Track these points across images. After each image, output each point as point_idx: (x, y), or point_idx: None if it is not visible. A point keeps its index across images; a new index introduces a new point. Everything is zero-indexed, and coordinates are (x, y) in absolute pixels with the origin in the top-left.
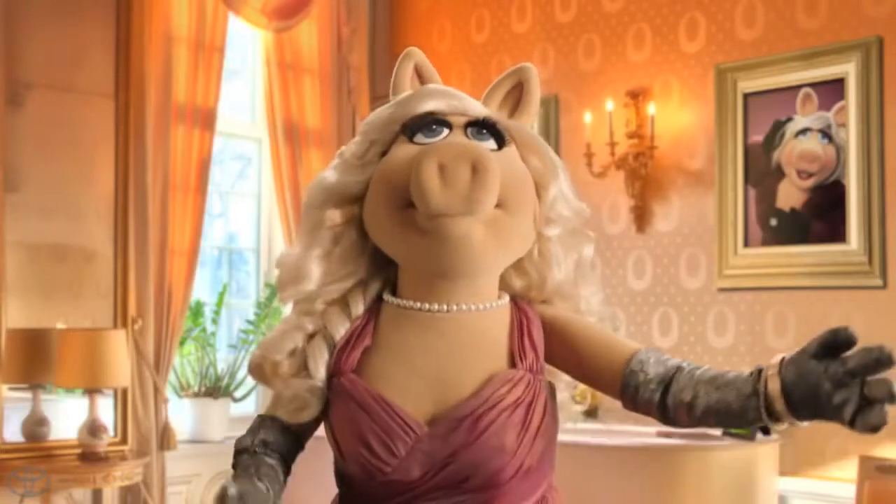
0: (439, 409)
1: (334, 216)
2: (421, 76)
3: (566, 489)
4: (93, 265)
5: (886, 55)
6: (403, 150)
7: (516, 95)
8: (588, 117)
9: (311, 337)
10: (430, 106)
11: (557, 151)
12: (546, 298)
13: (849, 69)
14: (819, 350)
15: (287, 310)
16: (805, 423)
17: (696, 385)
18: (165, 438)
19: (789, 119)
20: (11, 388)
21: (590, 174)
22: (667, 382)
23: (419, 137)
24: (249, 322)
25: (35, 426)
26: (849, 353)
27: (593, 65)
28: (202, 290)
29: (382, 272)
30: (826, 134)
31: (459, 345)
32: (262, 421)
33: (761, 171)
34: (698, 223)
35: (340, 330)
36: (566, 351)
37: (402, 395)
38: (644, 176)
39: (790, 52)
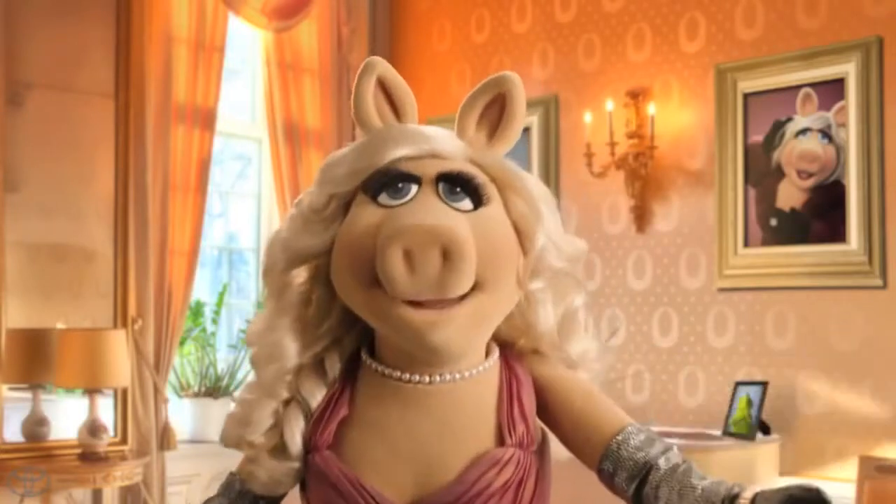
0: (421, 494)
1: (299, 276)
2: (386, 89)
3: (565, 490)
4: (93, 265)
5: (886, 55)
6: (366, 215)
7: (496, 112)
8: (588, 117)
9: (286, 403)
10: (394, 153)
11: (557, 151)
12: (536, 347)
13: (849, 69)
14: (790, 503)
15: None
16: None
17: (669, 493)
18: (165, 438)
19: (789, 119)
20: (11, 388)
21: (590, 174)
22: (641, 477)
23: (383, 198)
24: (249, 322)
25: (35, 426)
26: None
27: (593, 65)
28: (202, 290)
29: (355, 324)
30: (826, 134)
31: (443, 421)
32: (231, 485)
33: (761, 171)
34: (698, 223)
35: (317, 396)
36: (549, 416)
37: (381, 478)
38: (644, 176)
39: (790, 52)
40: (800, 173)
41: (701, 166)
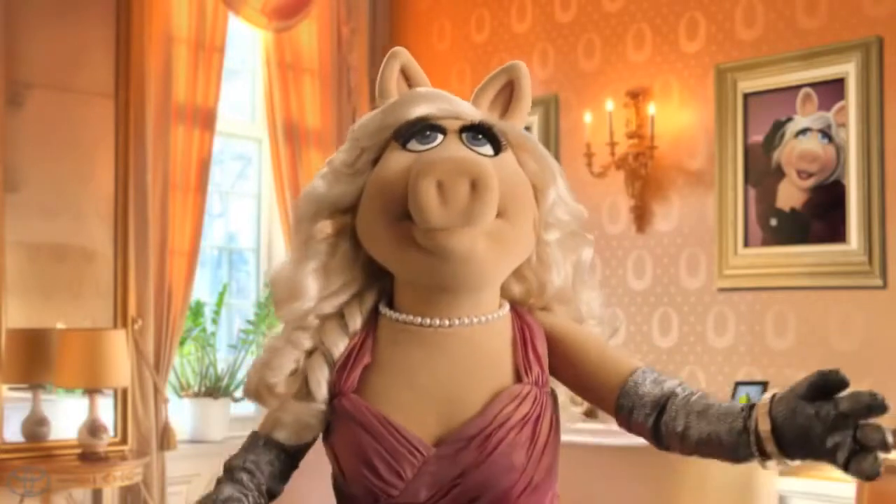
0: (445, 428)
1: (326, 227)
2: (408, 77)
3: (566, 490)
4: (93, 265)
5: (886, 55)
6: (397, 159)
7: (507, 95)
8: (588, 117)
9: (308, 354)
10: (421, 111)
11: (557, 151)
12: (546, 304)
13: (849, 69)
14: (809, 392)
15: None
16: (797, 462)
17: (688, 415)
18: (165, 438)
19: (789, 119)
20: (11, 388)
21: (590, 174)
22: (660, 408)
23: (413, 144)
24: (249, 322)
25: (35, 426)
26: (841, 395)
27: (593, 65)
28: (202, 290)
29: (377, 282)
30: (826, 134)
31: (463, 361)
32: (255, 440)
33: (761, 171)
34: (698, 223)
35: (339, 346)
36: (565, 364)
37: (406, 416)
38: (644, 176)
39: (790, 52)
40: (800, 173)
41: (701, 166)
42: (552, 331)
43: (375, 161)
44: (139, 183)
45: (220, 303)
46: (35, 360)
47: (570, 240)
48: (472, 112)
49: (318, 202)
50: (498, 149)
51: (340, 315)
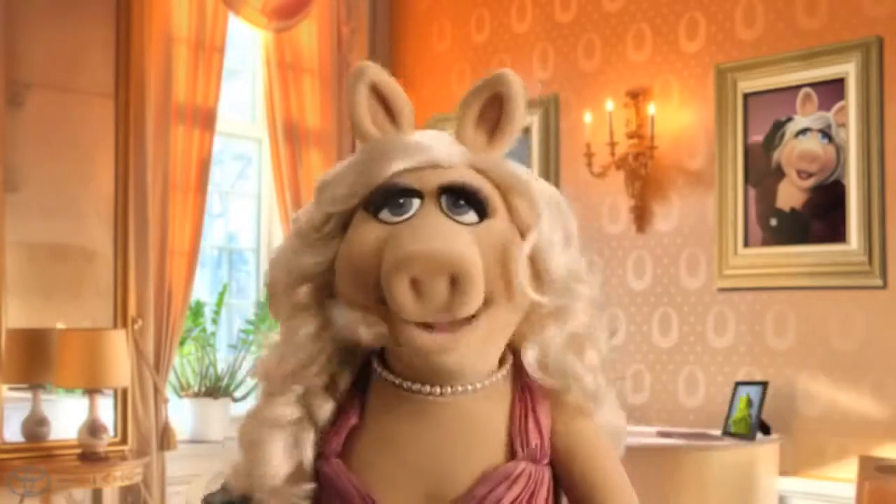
0: None
1: (305, 294)
2: (382, 96)
3: None
4: (93, 265)
5: (886, 55)
6: (368, 234)
7: (495, 111)
8: (588, 117)
9: (294, 423)
10: (393, 167)
11: (557, 151)
12: (530, 363)
13: (849, 69)
14: None
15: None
16: None
17: None
18: (165, 438)
19: (789, 119)
20: (11, 388)
21: (590, 174)
22: None
23: (385, 214)
24: (249, 322)
25: (35, 426)
26: None
27: (593, 65)
28: (202, 290)
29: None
30: (826, 134)
31: (454, 434)
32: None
33: (761, 171)
34: (698, 223)
35: (326, 411)
36: (561, 453)
37: (390, 491)
38: (644, 176)
39: (790, 52)
40: (800, 173)
41: (701, 166)
42: (555, 408)
43: (347, 222)
44: (139, 183)
45: (220, 303)
46: (35, 360)
47: (565, 297)
48: (453, 157)
49: (290, 273)
50: (483, 214)
51: (332, 379)
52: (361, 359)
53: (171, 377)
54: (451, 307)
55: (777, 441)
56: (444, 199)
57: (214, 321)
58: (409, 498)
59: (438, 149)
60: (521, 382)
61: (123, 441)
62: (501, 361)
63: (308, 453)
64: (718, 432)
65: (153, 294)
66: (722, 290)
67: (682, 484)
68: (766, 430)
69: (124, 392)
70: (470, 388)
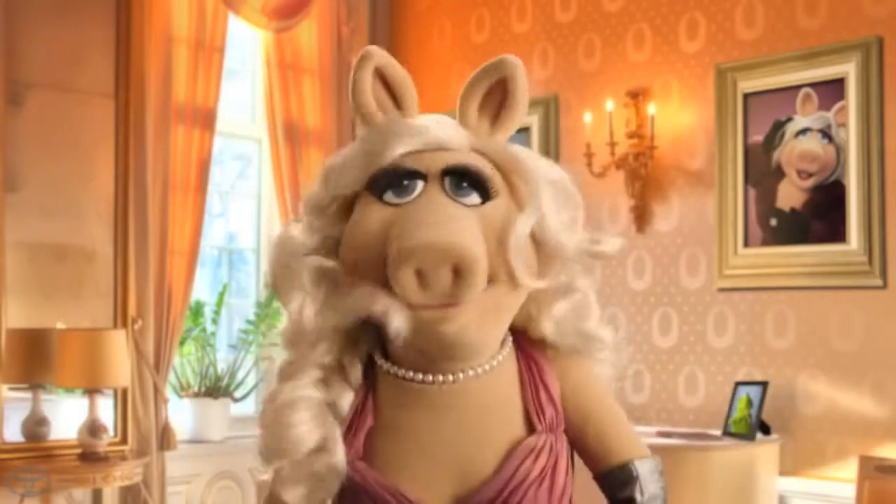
0: (461, 492)
1: (308, 275)
2: (386, 79)
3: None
4: (93, 265)
5: (886, 55)
6: (373, 215)
7: (498, 96)
8: (588, 117)
9: (318, 405)
10: (397, 150)
11: (557, 151)
12: (546, 335)
13: (849, 69)
14: None
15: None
16: None
17: None
18: (165, 438)
19: (789, 119)
20: (11, 388)
21: (590, 174)
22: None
23: (389, 196)
24: (249, 322)
25: (35, 426)
26: None
27: (593, 65)
28: (202, 290)
29: (369, 325)
30: (826, 134)
31: (471, 417)
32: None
33: (761, 171)
34: (698, 223)
35: (346, 400)
36: (573, 417)
37: (418, 484)
38: (644, 176)
39: (790, 52)
40: (800, 173)
41: (701, 166)
42: (564, 377)
43: (352, 203)
44: (139, 183)
45: (220, 303)
46: (35, 360)
47: (570, 268)
48: (456, 139)
49: (297, 249)
50: (486, 196)
51: (341, 366)
52: (366, 352)
53: (171, 377)
54: (455, 294)
55: (777, 441)
56: (447, 181)
57: (214, 321)
58: (439, 488)
59: (442, 131)
60: (525, 358)
61: (123, 441)
62: (503, 342)
63: (334, 432)
64: (718, 432)
65: (153, 294)
66: (722, 290)
67: (682, 484)
68: (766, 430)
69: (124, 392)
70: (479, 370)
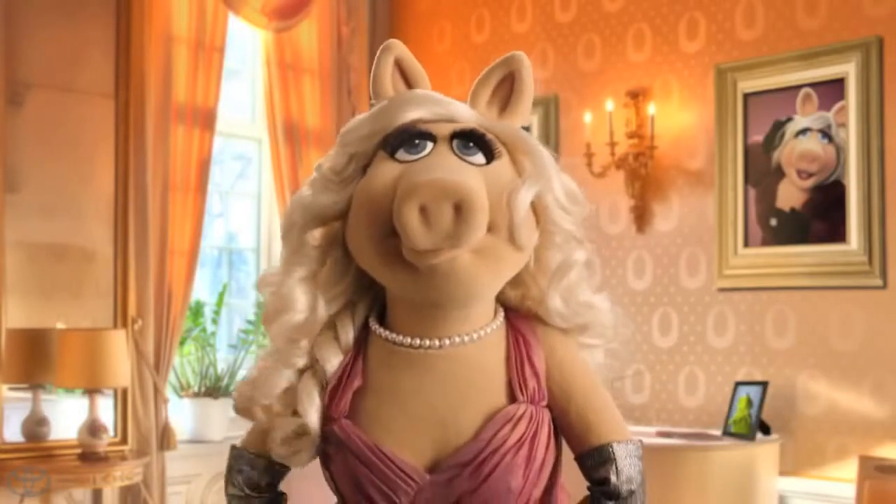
0: (439, 454)
1: (316, 235)
2: (403, 71)
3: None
4: (93, 265)
5: (886, 55)
6: (385, 170)
7: (507, 89)
8: (588, 117)
9: (300, 372)
10: (411, 115)
11: (557, 151)
12: (541, 312)
13: (849, 69)
14: None
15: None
16: None
17: None
18: (165, 438)
19: (789, 119)
20: (11, 388)
21: (590, 174)
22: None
23: (401, 153)
24: (249, 322)
25: (35, 426)
26: None
27: (593, 65)
28: (202, 290)
29: (368, 293)
30: (826, 134)
31: (455, 383)
32: (239, 457)
33: (761, 171)
34: (698, 223)
35: (333, 362)
36: (557, 395)
37: (399, 442)
38: (644, 176)
39: (790, 52)
40: (800, 173)
41: (701, 166)
42: (550, 355)
43: (365, 168)
44: (139, 183)
45: (220, 303)
46: (35, 360)
47: (567, 244)
48: (467, 114)
49: (307, 210)
50: (490, 157)
51: (333, 327)
52: (362, 316)
53: (171, 377)
54: (456, 233)
55: (777, 441)
56: (455, 143)
57: (214, 321)
58: (418, 447)
59: (454, 105)
60: (514, 333)
61: (123, 441)
62: (495, 314)
63: (312, 414)
64: (718, 432)
65: (153, 294)
66: (722, 290)
67: (682, 484)
68: (766, 430)
69: (124, 392)
70: (467, 338)
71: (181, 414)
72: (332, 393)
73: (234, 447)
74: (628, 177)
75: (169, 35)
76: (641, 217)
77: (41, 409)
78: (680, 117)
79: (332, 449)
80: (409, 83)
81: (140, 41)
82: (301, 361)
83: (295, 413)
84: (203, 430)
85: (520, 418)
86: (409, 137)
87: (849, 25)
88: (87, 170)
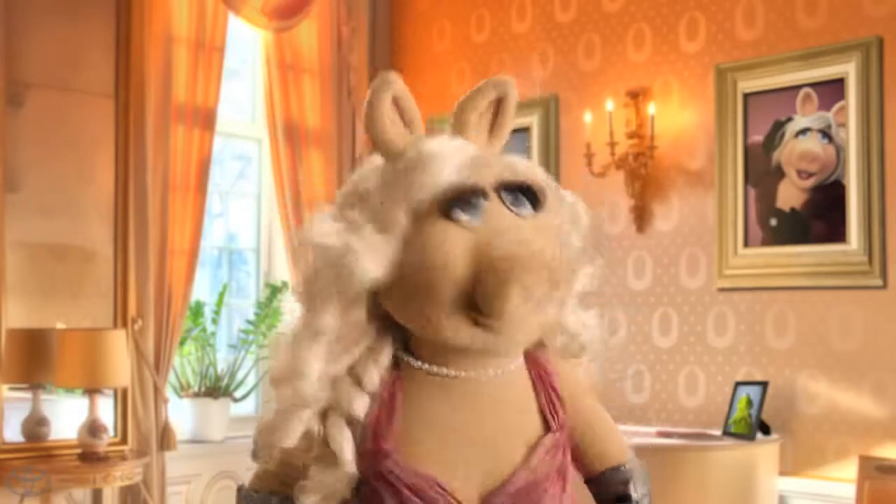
0: (489, 482)
1: (360, 313)
2: (400, 108)
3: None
4: (93, 265)
5: (886, 55)
6: (450, 237)
7: (493, 110)
8: (588, 117)
9: (323, 415)
10: (454, 172)
11: (557, 151)
12: (549, 338)
13: (849, 69)
14: None
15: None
16: None
17: None
18: (165, 438)
19: (789, 119)
20: (11, 388)
21: (590, 174)
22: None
23: (457, 213)
24: (249, 322)
25: (35, 426)
26: None
27: (593, 65)
28: (202, 290)
29: (390, 332)
30: (826, 134)
31: (495, 413)
32: (248, 499)
33: (761, 171)
34: (698, 223)
35: (358, 404)
36: (571, 421)
37: (451, 474)
38: (644, 176)
39: (790, 52)
40: (800, 173)
41: (701, 166)
42: (563, 384)
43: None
44: (139, 183)
45: (220, 303)
46: (35, 360)
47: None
48: (516, 165)
49: (354, 278)
50: (536, 206)
51: (354, 372)
52: (388, 358)
53: (171, 377)
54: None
55: (777, 441)
56: (504, 196)
57: (214, 321)
58: (469, 478)
59: (470, 149)
60: (533, 364)
61: (123, 441)
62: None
63: (346, 449)
64: (718, 432)
65: (153, 294)
66: (722, 290)
67: (682, 484)
68: (766, 430)
69: (124, 392)
70: (501, 371)
71: (181, 414)
72: (374, 429)
73: (241, 489)
74: (628, 177)
75: (169, 35)
76: (641, 217)
77: (41, 409)
78: (680, 117)
79: (380, 485)
80: (404, 122)
81: (140, 41)
82: (320, 405)
83: (323, 459)
84: (203, 430)
85: (555, 446)
86: (464, 196)
87: (849, 25)
88: (87, 170)
